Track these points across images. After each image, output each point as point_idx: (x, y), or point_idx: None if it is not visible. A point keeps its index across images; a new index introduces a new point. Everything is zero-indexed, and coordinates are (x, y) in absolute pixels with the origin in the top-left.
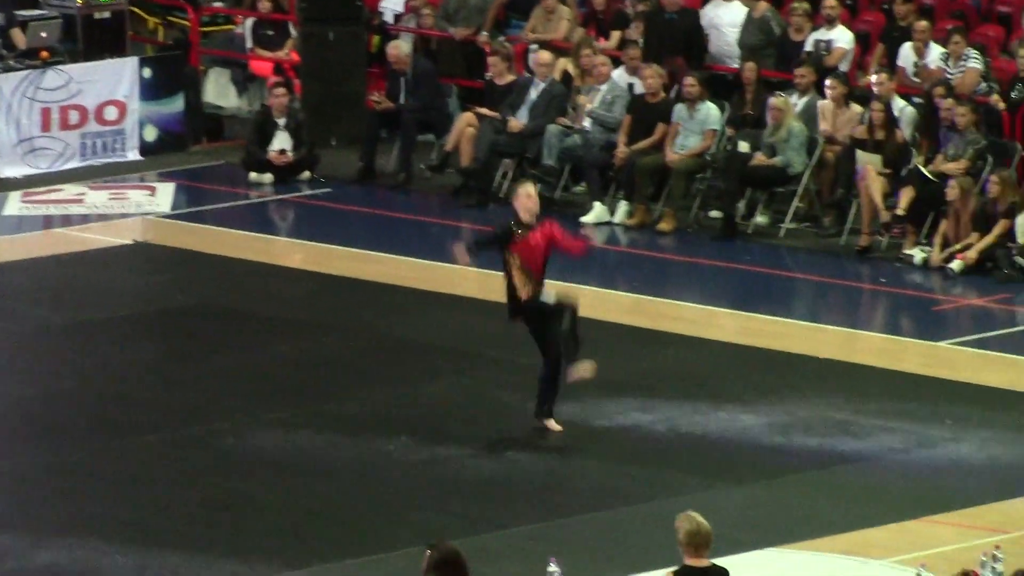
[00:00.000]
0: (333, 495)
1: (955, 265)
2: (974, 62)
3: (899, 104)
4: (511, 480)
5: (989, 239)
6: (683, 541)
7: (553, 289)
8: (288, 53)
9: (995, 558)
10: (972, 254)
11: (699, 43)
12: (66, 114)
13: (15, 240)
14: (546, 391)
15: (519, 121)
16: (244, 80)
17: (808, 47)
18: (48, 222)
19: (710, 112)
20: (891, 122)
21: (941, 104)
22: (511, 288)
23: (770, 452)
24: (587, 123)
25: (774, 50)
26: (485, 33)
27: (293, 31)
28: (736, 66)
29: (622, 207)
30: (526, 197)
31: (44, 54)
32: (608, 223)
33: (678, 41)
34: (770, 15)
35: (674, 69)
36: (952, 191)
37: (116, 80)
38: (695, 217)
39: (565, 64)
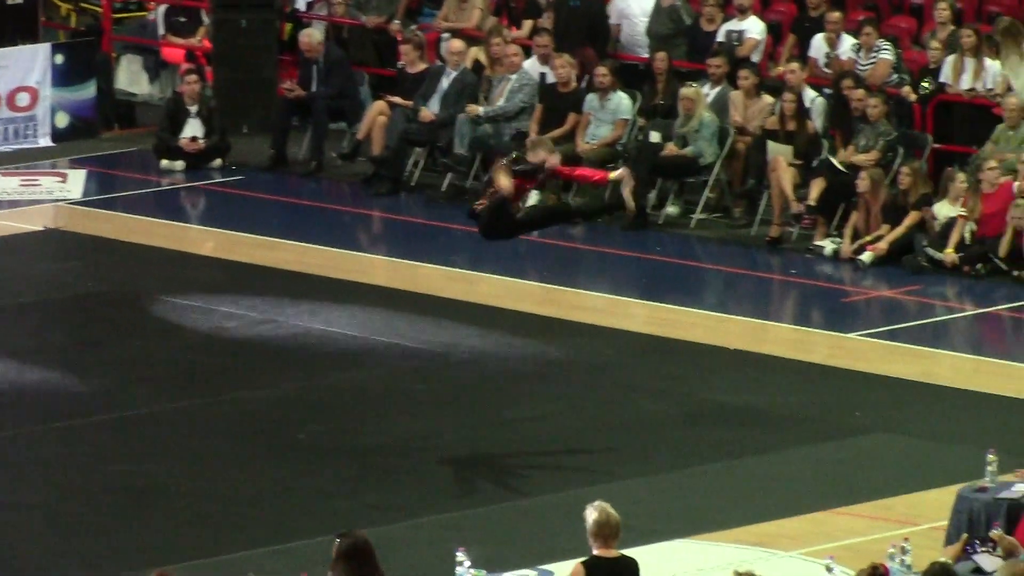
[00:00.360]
0: (243, 483)
1: (865, 256)
2: (886, 53)
3: (810, 95)
4: (420, 469)
5: (900, 231)
6: (592, 531)
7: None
8: (200, 40)
9: (903, 550)
10: (882, 245)
11: (604, 30)
12: None
13: None
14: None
15: (430, 111)
16: (156, 67)
17: (720, 37)
18: None
19: (621, 102)
20: (802, 113)
21: (850, 95)
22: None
23: (680, 442)
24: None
25: (683, 39)
26: (397, 21)
27: (205, 18)
28: (646, 55)
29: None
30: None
31: None
32: None
33: (582, 28)
34: (679, 4)
35: (584, 60)
36: (863, 182)
37: (28, 66)
38: None
39: (477, 53)
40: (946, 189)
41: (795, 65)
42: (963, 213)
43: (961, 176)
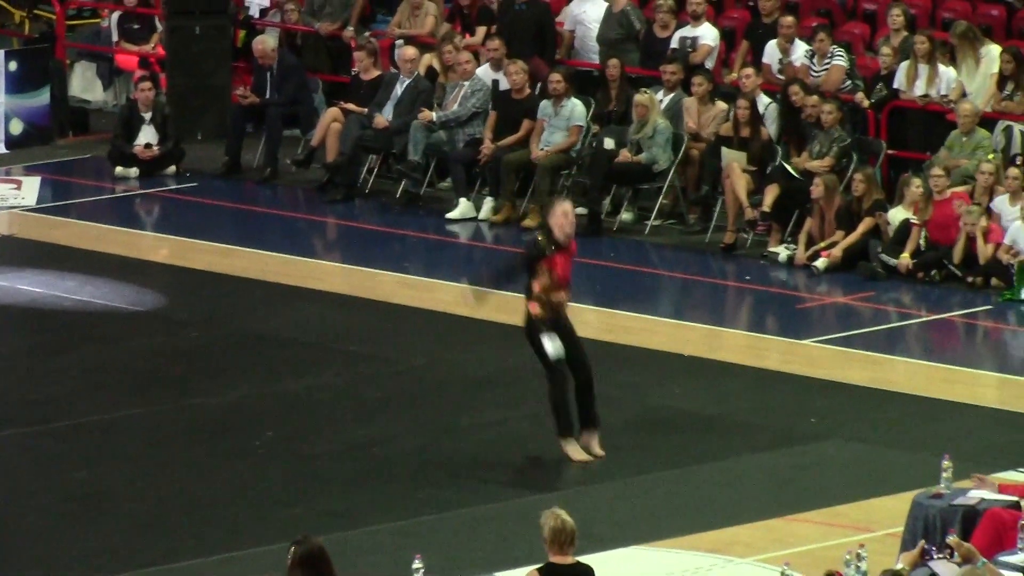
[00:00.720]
0: (198, 490)
1: (820, 263)
2: (839, 60)
3: (764, 101)
4: (376, 477)
5: (854, 237)
6: (548, 538)
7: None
8: (154, 47)
9: (859, 557)
10: (837, 252)
11: (550, 34)
12: None
13: None
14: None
15: (384, 117)
16: (110, 74)
17: (674, 44)
18: None
19: (575, 108)
20: (756, 119)
21: (799, 102)
22: (540, 304)
23: (634, 449)
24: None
25: (634, 45)
26: (351, 28)
27: (159, 25)
28: (599, 62)
29: (488, 203)
30: (563, 215)
31: None
32: (474, 219)
33: (528, 31)
34: (629, 10)
35: (534, 70)
36: (817, 189)
37: None
38: None
39: (431, 60)
40: (902, 195)
41: (750, 71)
42: (915, 220)
43: (916, 181)
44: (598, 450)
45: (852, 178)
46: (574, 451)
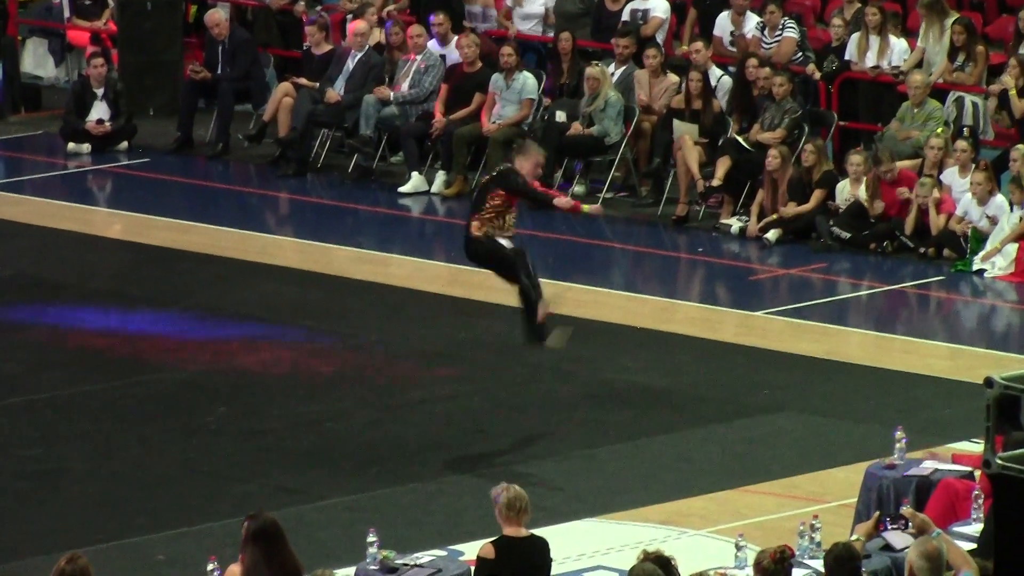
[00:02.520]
0: (151, 466)
1: (771, 235)
2: (790, 32)
3: (716, 74)
4: (329, 451)
5: (806, 208)
6: (501, 511)
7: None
8: (106, 23)
9: (813, 528)
10: (787, 211)
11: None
12: None
13: None
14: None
15: (336, 92)
16: (62, 50)
17: (625, 16)
18: None
19: (527, 81)
20: (708, 92)
21: (753, 75)
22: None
23: (588, 422)
24: (403, 87)
25: (589, 19)
26: (302, 3)
27: (110, 1)
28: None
29: (440, 177)
30: (535, 166)
31: None
32: (426, 193)
33: None
34: None
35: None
36: (773, 160)
37: None
38: None
39: (381, 34)
40: (846, 171)
41: (699, 45)
42: (864, 199)
43: (856, 159)
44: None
45: (803, 149)
46: (558, 338)
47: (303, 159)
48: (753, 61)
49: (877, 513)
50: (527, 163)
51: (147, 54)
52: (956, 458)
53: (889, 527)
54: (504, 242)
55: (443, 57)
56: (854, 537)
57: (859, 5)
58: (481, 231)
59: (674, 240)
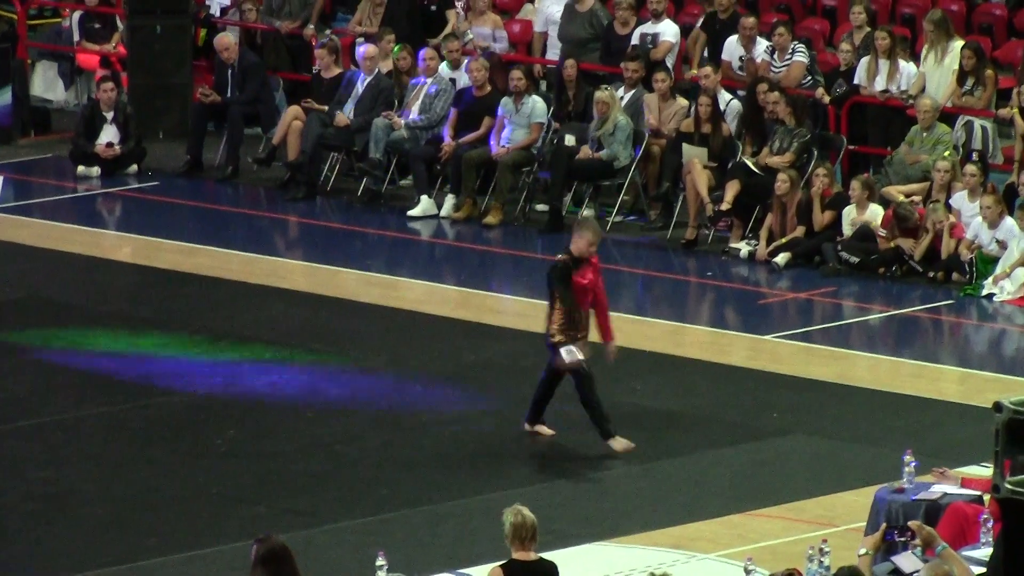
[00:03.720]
0: (160, 488)
1: (780, 259)
2: (800, 56)
3: (725, 97)
4: (338, 474)
5: (818, 229)
6: (509, 535)
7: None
8: (115, 46)
9: (822, 552)
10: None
11: (423, 14)
12: None
13: None
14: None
15: (345, 115)
16: (71, 73)
17: (634, 40)
18: None
19: (536, 105)
20: (717, 115)
21: (764, 101)
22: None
23: (598, 445)
24: (413, 114)
25: (597, 43)
26: (311, 26)
27: (120, 24)
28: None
29: (449, 201)
30: (588, 244)
31: None
32: (435, 216)
33: (403, 10)
34: (598, 9)
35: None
36: (782, 184)
37: None
38: (522, 211)
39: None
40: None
41: (708, 70)
42: (879, 231)
43: (856, 185)
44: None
45: (814, 173)
46: (620, 444)
47: (312, 182)
48: (763, 86)
49: (884, 526)
50: (580, 241)
51: (156, 77)
52: (965, 482)
53: (896, 539)
54: (566, 351)
55: (453, 81)
56: (862, 551)
57: (869, 29)
58: (557, 335)
59: (683, 264)
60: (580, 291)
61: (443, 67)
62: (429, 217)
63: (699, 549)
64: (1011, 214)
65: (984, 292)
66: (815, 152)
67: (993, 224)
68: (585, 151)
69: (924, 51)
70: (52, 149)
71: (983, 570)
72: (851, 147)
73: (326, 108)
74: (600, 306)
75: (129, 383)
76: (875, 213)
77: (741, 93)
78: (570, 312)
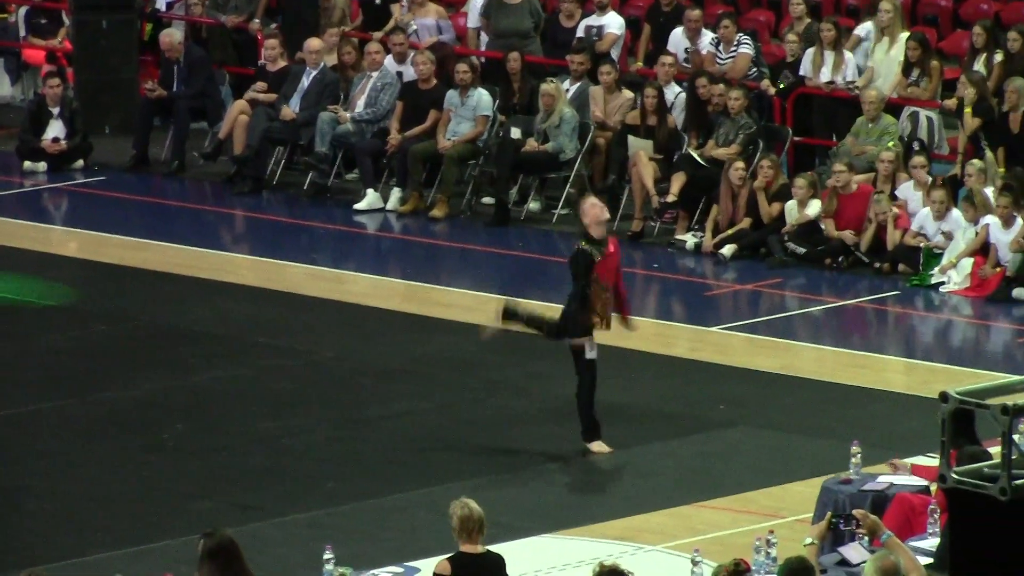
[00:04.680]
0: (109, 483)
1: (726, 250)
2: (745, 47)
3: (675, 90)
4: (286, 468)
5: (762, 224)
6: (457, 528)
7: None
8: (61, 41)
9: (769, 543)
10: (743, 234)
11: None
12: None
13: None
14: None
15: (291, 109)
16: (18, 68)
17: (579, 33)
18: None
19: (482, 98)
20: (663, 108)
21: (704, 95)
22: (590, 309)
23: (544, 438)
24: (358, 108)
25: (537, 34)
26: (257, 20)
27: (66, 19)
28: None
29: (395, 194)
30: (592, 206)
31: None
32: (381, 210)
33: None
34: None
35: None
36: (736, 173)
37: None
38: (468, 203)
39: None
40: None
41: (669, 59)
42: (813, 216)
43: (801, 183)
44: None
45: (758, 165)
46: (598, 447)
47: (258, 177)
48: (702, 80)
49: (829, 514)
50: (586, 217)
51: (103, 72)
52: (916, 470)
53: (841, 527)
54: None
55: (400, 74)
56: (807, 541)
57: (809, 20)
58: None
59: (629, 256)
60: (604, 275)
61: (388, 61)
62: (375, 210)
63: (647, 541)
64: (956, 205)
65: (932, 282)
66: (761, 144)
67: (940, 216)
68: (531, 144)
69: (872, 42)
70: None
71: (930, 560)
72: (797, 138)
73: (275, 97)
74: (619, 294)
75: (77, 379)
76: (816, 208)
77: (685, 85)
78: (592, 300)
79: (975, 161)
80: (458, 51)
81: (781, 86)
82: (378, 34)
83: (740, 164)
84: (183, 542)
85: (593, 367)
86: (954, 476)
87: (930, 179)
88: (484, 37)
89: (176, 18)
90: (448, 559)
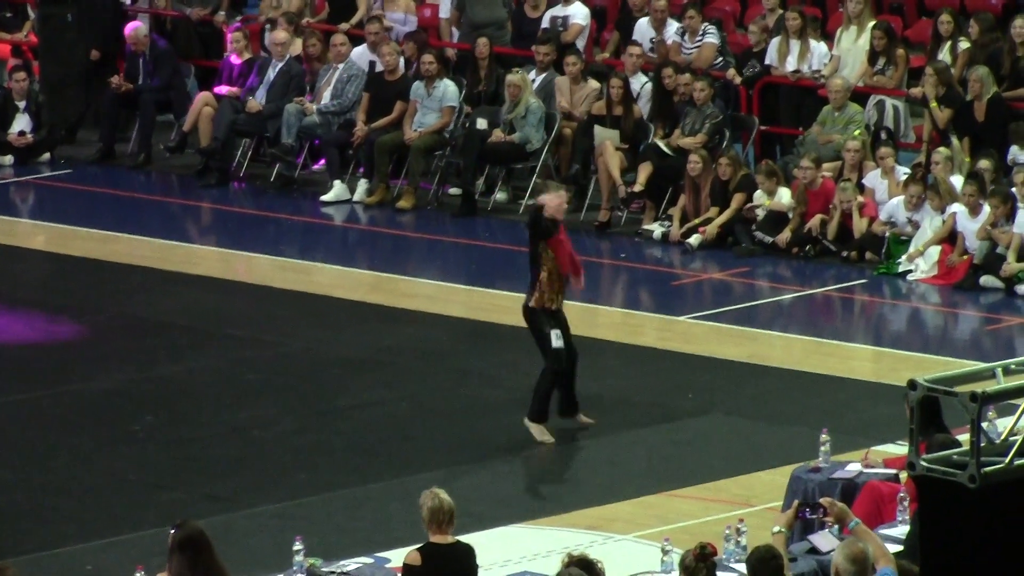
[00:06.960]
0: (79, 475)
1: (693, 240)
2: (711, 37)
3: (641, 80)
4: (256, 459)
5: (728, 214)
6: (427, 518)
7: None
8: (27, 35)
9: (739, 531)
10: (711, 229)
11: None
12: None
13: None
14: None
15: (257, 101)
16: None
17: (545, 23)
18: None
19: (448, 89)
20: (629, 98)
21: (670, 85)
22: (543, 288)
23: (513, 428)
24: (324, 100)
25: (506, 27)
26: (222, 13)
27: (31, 13)
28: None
29: (362, 185)
30: (553, 198)
31: None
32: (348, 201)
33: None
34: None
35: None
36: (695, 165)
37: None
38: (435, 195)
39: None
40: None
41: (637, 49)
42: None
43: (760, 178)
44: (588, 419)
45: (718, 163)
46: (540, 433)
47: (225, 169)
48: (668, 70)
49: (796, 503)
50: (555, 200)
51: (68, 66)
52: (888, 462)
53: (808, 516)
54: (555, 333)
55: (373, 64)
56: (776, 529)
57: (780, 10)
58: (537, 301)
59: (596, 246)
60: (564, 253)
61: (362, 49)
62: (342, 202)
63: (616, 530)
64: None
65: (900, 270)
66: (727, 133)
67: (914, 207)
68: (497, 134)
69: (840, 30)
70: None
71: (900, 548)
72: (763, 128)
73: (239, 90)
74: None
75: (45, 371)
76: (783, 195)
77: (651, 75)
78: (553, 275)
79: (941, 149)
80: (434, 43)
81: (746, 76)
82: (344, 26)
83: (695, 157)
84: (153, 534)
85: (559, 355)
86: (923, 464)
87: (903, 173)
88: (455, 29)
89: (141, 11)
90: (418, 549)
